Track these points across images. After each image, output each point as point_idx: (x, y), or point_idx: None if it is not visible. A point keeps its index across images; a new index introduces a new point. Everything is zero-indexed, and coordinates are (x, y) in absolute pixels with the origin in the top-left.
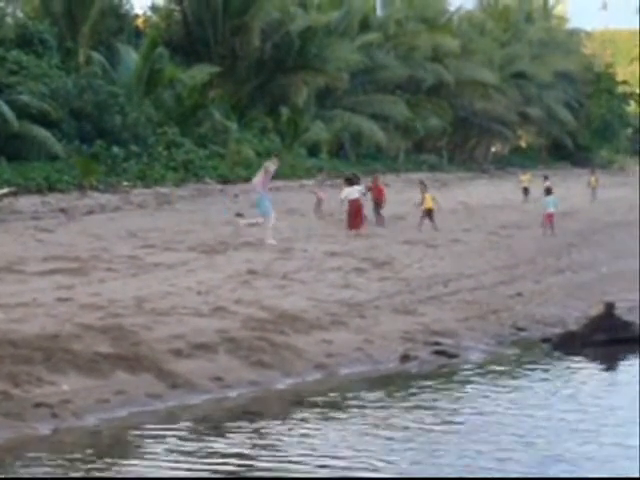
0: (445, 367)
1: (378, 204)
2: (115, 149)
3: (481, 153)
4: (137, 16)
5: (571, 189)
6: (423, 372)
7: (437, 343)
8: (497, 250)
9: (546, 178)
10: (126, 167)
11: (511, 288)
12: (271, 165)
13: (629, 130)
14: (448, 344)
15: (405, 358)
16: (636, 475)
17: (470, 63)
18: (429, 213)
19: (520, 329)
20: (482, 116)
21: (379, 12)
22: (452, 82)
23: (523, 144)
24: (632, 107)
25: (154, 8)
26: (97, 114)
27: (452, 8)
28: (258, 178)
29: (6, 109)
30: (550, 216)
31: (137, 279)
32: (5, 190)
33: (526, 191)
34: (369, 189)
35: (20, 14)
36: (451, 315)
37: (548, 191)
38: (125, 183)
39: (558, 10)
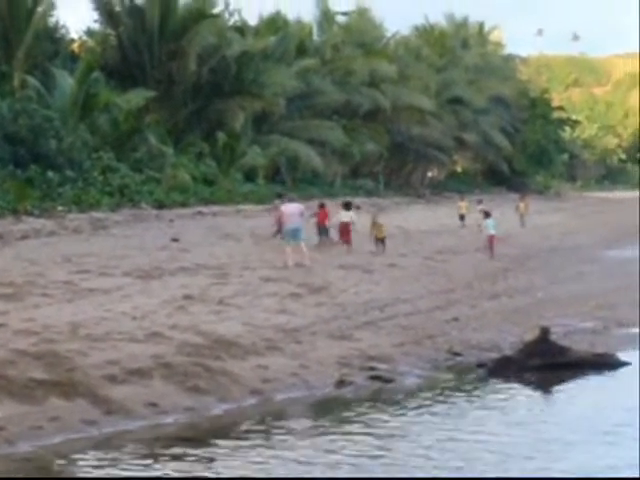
0: (380, 392)
1: (322, 228)
2: (50, 174)
3: (417, 178)
4: (73, 40)
5: (506, 214)
6: (358, 397)
7: (373, 368)
8: (433, 275)
9: (480, 202)
10: (61, 192)
11: (447, 313)
12: None
13: (565, 155)
14: (384, 369)
15: (341, 383)
16: (636, 475)
17: (406, 89)
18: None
19: (456, 354)
20: (418, 141)
21: (316, 37)
22: (388, 107)
23: (459, 169)
24: (567, 133)
25: (90, 32)
26: (32, 138)
27: (389, 34)
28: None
29: None
30: (491, 238)
31: (72, 304)
32: None
33: (462, 217)
34: (315, 214)
35: None
36: (387, 340)
37: (487, 214)
38: (60, 208)
39: (494, 36)
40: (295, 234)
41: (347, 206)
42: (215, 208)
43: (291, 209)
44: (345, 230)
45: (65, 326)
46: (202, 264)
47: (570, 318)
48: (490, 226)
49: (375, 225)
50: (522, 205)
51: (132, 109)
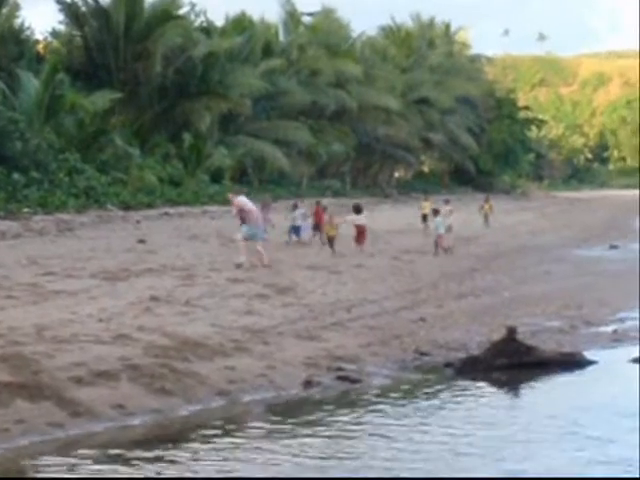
0: (348, 393)
1: (318, 227)
2: (15, 175)
3: (384, 178)
4: (38, 41)
5: (473, 214)
6: (326, 398)
7: (340, 369)
8: (400, 275)
9: (447, 202)
10: (27, 194)
11: (414, 313)
12: None
13: (531, 155)
14: (351, 369)
15: (308, 384)
16: (636, 475)
17: (372, 89)
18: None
19: (423, 354)
20: (385, 142)
21: (282, 38)
22: (355, 108)
23: (426, 169)
24: (534, 132)
25: (55, 33)
26: None
27: (355, 34)
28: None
29: None
30: (439, 237)
31: (38, 306)
32: None
33: (425, 217)
34: (312, 214)
35: None
36: (354, 341)
37: (436, 212)
38: (26, 210)
39: (460, 36)
40: (256, 233)
41: (358, 209)
42: (182, 209)
43: (251, 205)
44: (361, 233)
45: (31, 328)
46: (169, 265)
47: (537, 317)
48: (439, 225)
49: (329, 223)
50: (486, 206)
51: (98, 110)
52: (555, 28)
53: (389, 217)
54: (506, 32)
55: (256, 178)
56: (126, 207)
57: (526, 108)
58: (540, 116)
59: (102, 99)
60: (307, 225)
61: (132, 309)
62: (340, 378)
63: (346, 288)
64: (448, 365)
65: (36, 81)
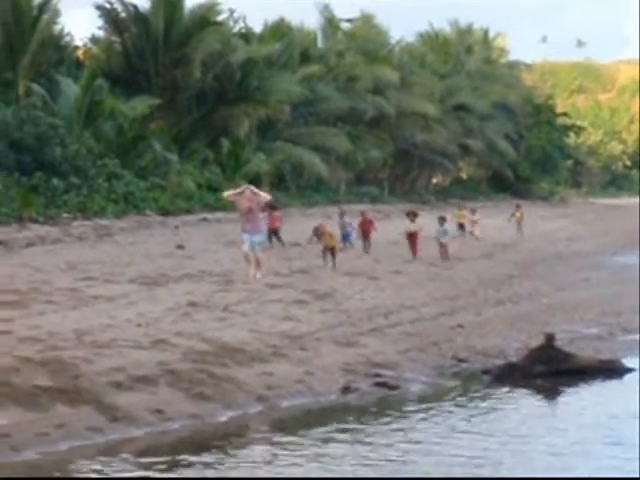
0: (386, 399)
1: (366, 236)
2: (55, 181)
3: (422, 184)
4: (77, 47)
5: (511, 221)
6: (364, 404)
7: (378, 375)
8: (438, 281)
9: (474, 211)
10: (66, 199)
11: (452, 320)
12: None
13: (569, 162)
14: (389, 376)
15: (346, 390)
16: (636, 475)
17: (410, 95)
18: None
19: (461, 360)
20: (423, 148)
21: (320, 44)
22: (393, 114)
23: (464, 175)
24: (572, 139)
25: (94, 39)
26: (37, 146)
27: (393, 41)
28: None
29: None
30: (442, 246)
31: (77, 311)
32: None
33: (462, 226)
34: (360, 224)
35: None
36: (392, 347)
37: (442, 220)
38: (65, 215)
39: (498, 42)
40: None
41: (413, 215)
42: (220, 215)
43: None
44: (414, 240)
45: (70, 333)
46: (207, 271)
47: (575, 324)
48: (442, 233)
49: (324, 234)
50: (518, 214)
51: (137, 116)
52: (593, 34)
53: (427, 224)
54: (544, 39)
55: (294, 184)
56: (165, 212)
57: (564, 114)
58: (578, 123)
59: (141, 105)
60: (353, 232)
61: (171, 314)
62: (378, 384)
63: (384, 294)
64: (486, 372)
65: (75, 87)
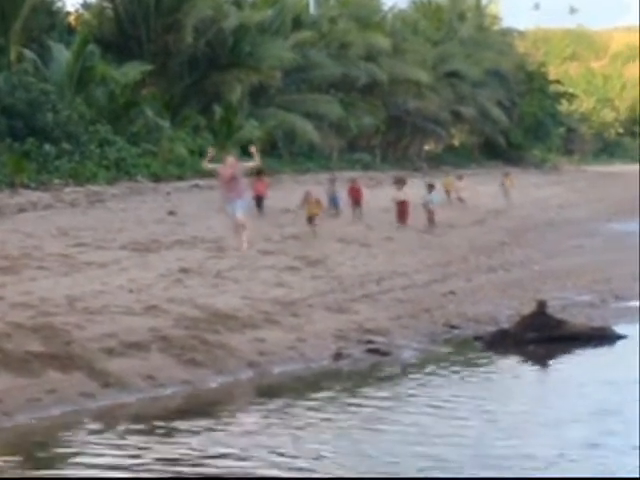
0: (378, 365)
1: (357, 203)
2: (47, 147)
3: (414, 151)
4: (69, 13)
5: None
6: (355, 370)
7: (370, 341)
8: (430, 249)
9: (460, 177)
10: (58, 165)
11: (443, 286)
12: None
13: (562, 129)
14: (381, 342)
15: (338, 356)
16: (636, 475)
17: (403, 62)
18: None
19: (453, 327)
20: (415, 115)
21: (312, 10)
22: (385, 81)
23: (456, 143)
24: (565, 106)
25: (86, 5)
26: (29, 112)
27: (386, 7)
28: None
29: None
30: (430, 213)
31: (69, 277)
32: None
33: (448, 193)
34: (348, 190)
35: None
36: (384, 313)
37: (430, 187)
38: (57, 181)
39: (491, 9)
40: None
41: (402, 183)
42: (212, 181)
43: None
44: (402, 210)
45: (62, 299)
46: (199, 237)
47: (567, 291)
48: (432, 200)
49: (309, 201)
50: (507, 181)
51: (129, 82)
52: (586, 1)
53: (418, 190)
54: (537, 5)
55: (286, 151)
56: (156, 179)
57: (557, 82)
58: (571, 90)
59: (133, 71)
60: (341, 196)
61: (162, 281)
62: (370, 351)
63: (376, 261)
64: (478, 338)
65: (67, 53)
